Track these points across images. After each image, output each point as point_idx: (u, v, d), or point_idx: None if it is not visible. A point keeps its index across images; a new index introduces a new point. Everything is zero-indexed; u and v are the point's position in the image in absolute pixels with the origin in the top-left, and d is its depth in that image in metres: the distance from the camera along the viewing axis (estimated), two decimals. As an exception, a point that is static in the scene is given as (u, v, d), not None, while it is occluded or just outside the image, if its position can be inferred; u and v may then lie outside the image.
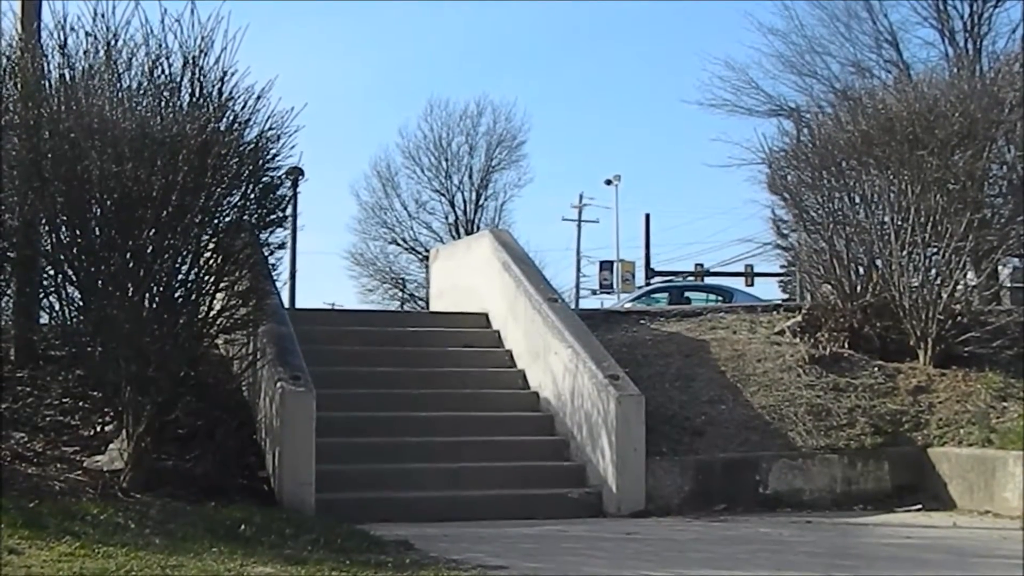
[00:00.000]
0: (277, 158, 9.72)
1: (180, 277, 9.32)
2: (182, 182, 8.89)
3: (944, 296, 11.97)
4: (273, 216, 9.91)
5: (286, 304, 14.11)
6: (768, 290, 40.69)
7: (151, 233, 8.97)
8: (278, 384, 9.54)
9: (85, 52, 9.23)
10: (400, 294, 49.62)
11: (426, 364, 12.20)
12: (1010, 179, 12.78)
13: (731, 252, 73.98)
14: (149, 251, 9.00)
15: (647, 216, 50.43)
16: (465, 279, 14.43)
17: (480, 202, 48.99)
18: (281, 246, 10.50)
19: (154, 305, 9.13)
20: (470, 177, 48.95)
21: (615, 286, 50.17)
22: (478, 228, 43.13)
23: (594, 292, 54.11)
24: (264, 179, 9.71)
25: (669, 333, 12.97)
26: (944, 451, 10.78)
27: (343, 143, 74.23)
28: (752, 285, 41.66)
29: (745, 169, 28.82)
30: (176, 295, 9.30)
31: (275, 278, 10.87)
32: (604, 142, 77.86)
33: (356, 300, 49.83)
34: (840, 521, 9.66)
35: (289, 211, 11.92)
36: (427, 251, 28.54)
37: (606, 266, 52.60)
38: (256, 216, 9.74)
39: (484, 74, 74.19)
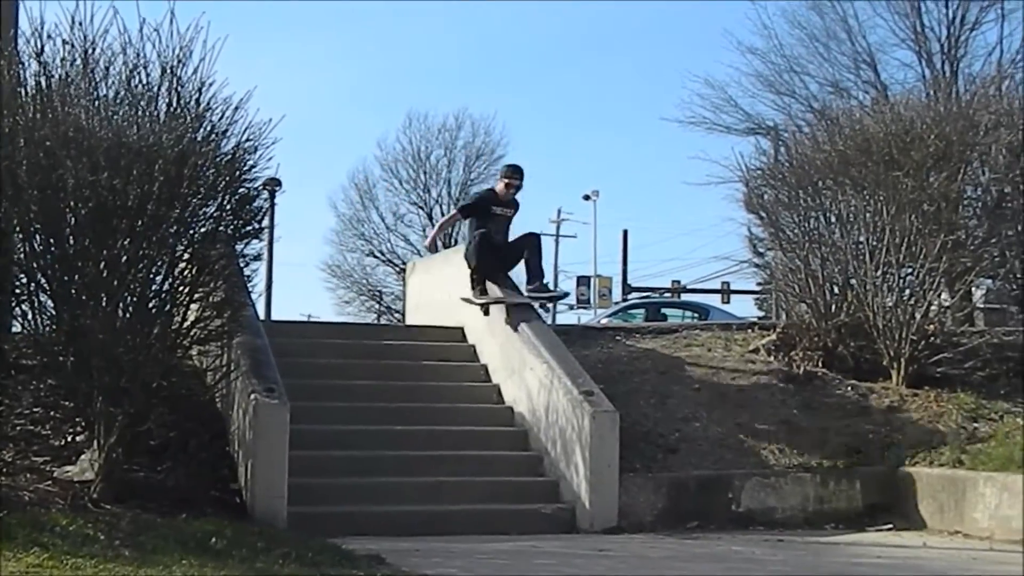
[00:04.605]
0: (254, 169, 9.69)
1: (154, 287, 9.27)
2: (158, 192, 8.85)
3: (917, 317, 12.03)
4: (249, 227, 9.87)
5: (262, 316, 14.09)
6: (744, 308, 40.89)
7: (126, 243, 8.92)
8: (252, 396, 9.51)
9: (62, 60, 9.17)
10: (377, 307, 49.60)
11: (402, 378, 12.17)
12: (984, 201, 12.87)
13: (708, 269, 74.29)
14: (124, 261, 8.95)
15: (625, 232, 50.64)
16: (442, 293, 14.39)
17: (458, 216, 48.93)
18: (257, 257, 10.45)
19: (128, 315, 9.08)
20: (448, 190, 49.04)
21: (592, 301, 50.27)
22: (456, 242, 43.11)
23: (571, 307, 54.14)
24: (240, 190, 9.67)
25: (645, 350, 12.99)
26: (916, 471, 10.82)
27: (321, 154, 74.27)
28: (728, 303, 41.84)
29: (723, 187, 28.84)
30: (150, 305, 9.25)
31: (250, 290, 10.80)
32: (583, 157, 78.14)
33: (333, 312, 49.83)
34: (812, 540, 9.68)
35: (265, 222, 11.86)
36: (404, 264, 28.55)
37: (583, 281, 52.68)
38: (232, 227, 9.70)
39: (463, 87, 74.35)
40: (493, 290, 12.05)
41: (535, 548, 8.97)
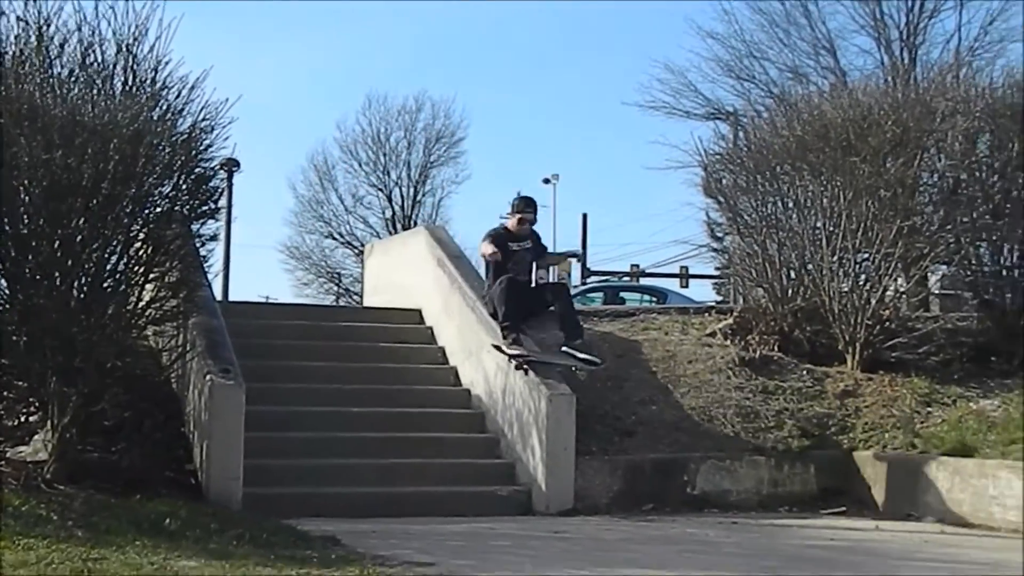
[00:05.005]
0: (210, 149, 9.63)
1: (109, 267, 9.20)
2: (113, 171, 8.79)
3: (873, 302, 12.13)
4: (205, 207, 9.82)
5: (218, 296, 14.01)
6: (703, 292, 40.97)
7: (80, 222, 8.85)
8: (207, 377, 9.48)
9: (16, 37, 9.08)
10: (335, 289, 49.38)
11: (359, 359, 12.17)
12: (940, 188, 12.98)
13: (667, 254, 74.52)
14: (78, 240, 8.88)
15: (584, 216, 50.59)
16: (400, 275, 14.40)
17: (418, 198, 48.84)
18: (213, 237, 10.41)
19: (82, 295, 9.01)
20: (408, 172, 48.80)
21: (551, 285, 50.15)
22: (415, 224, 43.05)
23: (530, 291, 54.03)
24: (197, 170, 9.61)
25: (602, 333, 13.03)
26: (869, 455, 10.93)
27: (280, 136, 73.77)
28: (687, 287, 41.90)
29: (682, 172, 28.98)
30: (105, 285, 9.19)
31: (207, 270, 10.77)
32: (543, 141, 78.04)
33: (291, 294, 49.52)
34: (766, 522, 9.76)
35: (223, 202, 11.83)
36: (363, 246, 28.43)
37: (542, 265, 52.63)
38: (188, 207, 9.65)
39: (422, 70, 74.00)
40: (527, 343, 10.95)
41: (491, 530, 9.00)
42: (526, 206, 11.68)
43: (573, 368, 10.94)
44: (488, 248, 11.15)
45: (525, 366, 10.74)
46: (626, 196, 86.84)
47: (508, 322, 10.98)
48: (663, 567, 7.41)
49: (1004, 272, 12.68)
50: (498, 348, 10.99)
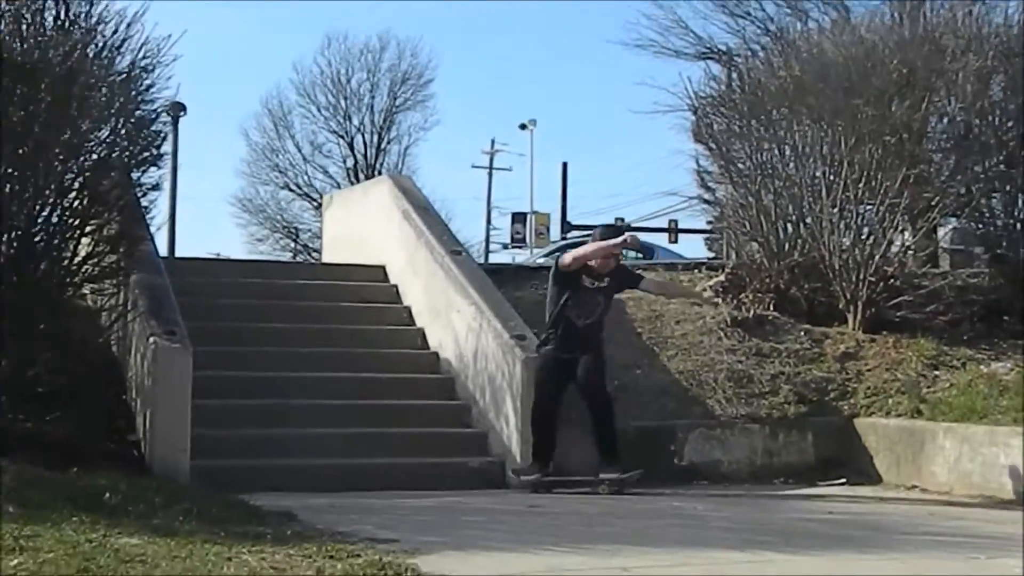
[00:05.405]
0: (152, 90, 9.63)
1: (41, 220, 9.18)
2: (44, 114, 8.74)
3: (876, 257, 12.18)
4: (147, 153, 9.82)
5: (164, 252, 14.00)
6: (693, 248, 41.17)
7: (8, 171, 8.81)
8: (151, 339, 9.46)
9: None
10: (293, 245, 49.27)
11: (317, 320, 12.18)
12: (950, 133, 13.02)
13: (655, 206, 74.51)
14: (6, 191, 8.84)
15: (564, 165, 50.61)
16: (361, 228, 14.38)
17: (382, 145, 48.69)
18: (156, 187, 10.43)
19: (12, 251, 8.98)
20: (371, 118, 48.60)
21: (528, 240, 50.32)
22: (379, 174, 42.91)
23: (505, 247, 54.20)
24: (137, 113, 9.59)
25: (582, 291, 13.02)
26: (871, 422, 11.01)
27: (231, 77, 73.35)
28: (676, 242, 42.06)
29: (671, 116, 28.86)
30: (37, 240, 9.16)
31: (149, 223, 10.81)
32: (519, 84, 77.84)
33: (244, 251, 49.38)
34: (759, 495, 9.83)
35: (167, 149, 11.78)
36: (323, 197, 28.36)
37: (519, 218, 52.66)
38: (128, 153, 9.64)
39: (387, 5, 73.66)
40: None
41: (461, 504, 9.03)
42: (616, 235, 10.49)
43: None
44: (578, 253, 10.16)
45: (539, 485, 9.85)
46: (610, 144, 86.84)
47: (539, 450, 9.94)
48: (646, 542, 7.45)
49: (1018, 225, 12.74)
50: (518, 473, 10.02)
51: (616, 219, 49.15)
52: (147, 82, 9.52)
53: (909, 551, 7.42)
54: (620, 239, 10.30)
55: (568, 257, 10.20)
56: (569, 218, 48.67)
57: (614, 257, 10.26)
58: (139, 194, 10.05)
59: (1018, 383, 10.72)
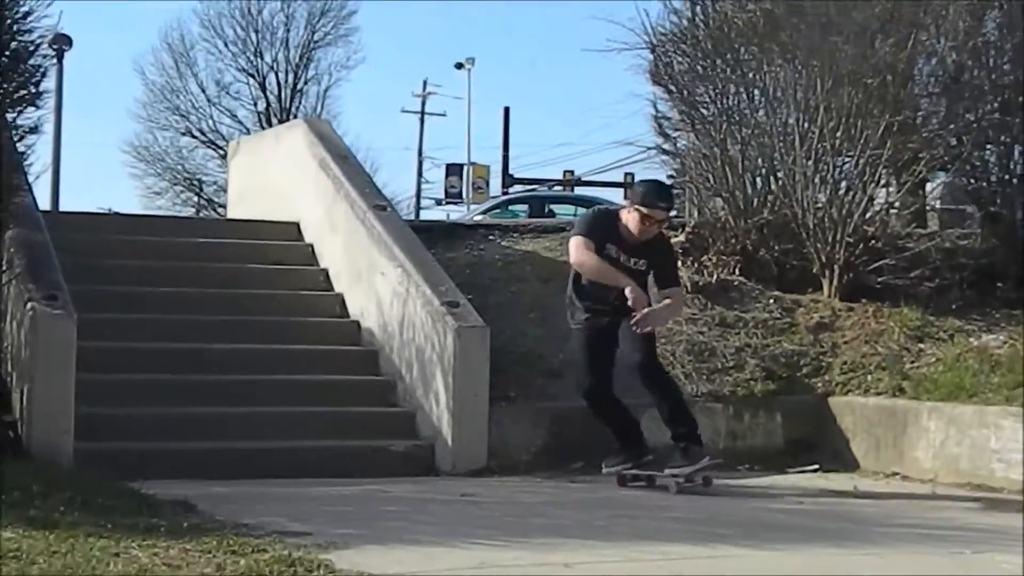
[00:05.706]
0: (29, 17, 9.49)
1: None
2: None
3: (855, 215, 12.24)
4: (24, 91, 9.69)
5: (46, 205, 13.87)
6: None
7: None
8: (28, 305, 9.39)
9: None
10: (195, 199, 49.08)
11: (221, 285, 12.16)
12: (939, 76, 13.08)
13: (608, 157, 74.77)
14: None
15: (506, 110, 50.81)
16: (273, 179, 14.32)
17: (298, 86, 48.67)
18: (35, 129, 10.27)
19: None
20: (286, 54, 48.49)
21: (464, 195, 50.35)
22: (295, 118, 42.73)
23: (439, 202, 54.28)
24: (12, 44, 9.47)
25: (525, 252, 13.06)
26: (848, 401, 11.10)
27: (125, 6, 72.61)
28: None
29: (627, 55, 28.91)
30: None
31: (27, 171, 10.67)
32: (455, 16, 77.63)
33: (139, 205, 49.16)
34: (722, 483, 9.87)
35: (49, 86, 11.65)
36: (229, 145, 28.23)
37: (454, 170, 52.77)
38: (1, 91, 9.51)
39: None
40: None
41: (383, 492, 9.04)
42: (658, 198, 9.50)
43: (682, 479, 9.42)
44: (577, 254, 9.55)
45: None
46: (557, 87, 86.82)
47: (620, 434, 9.70)
48: (589, 536, 7.49)
49: (1014, 180, 12.84)
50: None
51: (564, 172, 49.40)
52: (23, 9, 9.41)
53: (888, 545, 7.50)
54: (630, 296, 9.24)
55: (572, 254, 9.72)
56: (512, 171, 48.75)
57: (655, 223, 9.43)
58: (15, 138, 9.95)
59: (1012, 358, 10.83)
